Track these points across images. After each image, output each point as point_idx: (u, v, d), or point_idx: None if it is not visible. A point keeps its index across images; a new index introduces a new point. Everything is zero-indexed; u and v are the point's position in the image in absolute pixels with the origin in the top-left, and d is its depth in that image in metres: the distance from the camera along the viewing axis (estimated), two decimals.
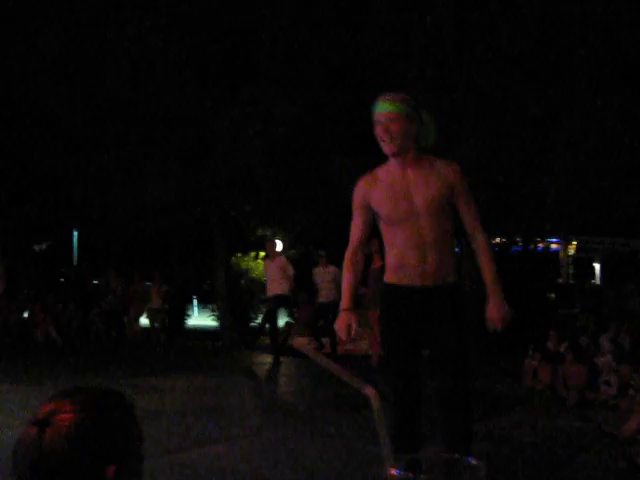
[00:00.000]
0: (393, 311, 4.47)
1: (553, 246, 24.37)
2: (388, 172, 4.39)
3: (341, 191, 14.90)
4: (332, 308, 13.52)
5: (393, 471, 1.40)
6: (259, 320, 15.33)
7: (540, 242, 19.34)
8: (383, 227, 4.46)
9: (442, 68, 13.21)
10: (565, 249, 26.08)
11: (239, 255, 17.93)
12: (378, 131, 4.30)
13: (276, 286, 13.06)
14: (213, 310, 18.79)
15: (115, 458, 1.53)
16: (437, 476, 1.46)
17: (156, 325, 17.89)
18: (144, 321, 18.34)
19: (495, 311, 4.55)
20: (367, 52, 13.55)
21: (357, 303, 4.66)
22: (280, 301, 13.42)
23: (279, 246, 14.47)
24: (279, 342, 13.32)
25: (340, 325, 4.38)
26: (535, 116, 12.75)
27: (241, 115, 14.40)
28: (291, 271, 13.10)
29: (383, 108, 4.26)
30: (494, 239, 17.34)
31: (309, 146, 14.75)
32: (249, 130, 14.46)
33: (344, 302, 4.46)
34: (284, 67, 14.24)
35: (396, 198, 4.27)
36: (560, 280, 23.96)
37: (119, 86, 14.44)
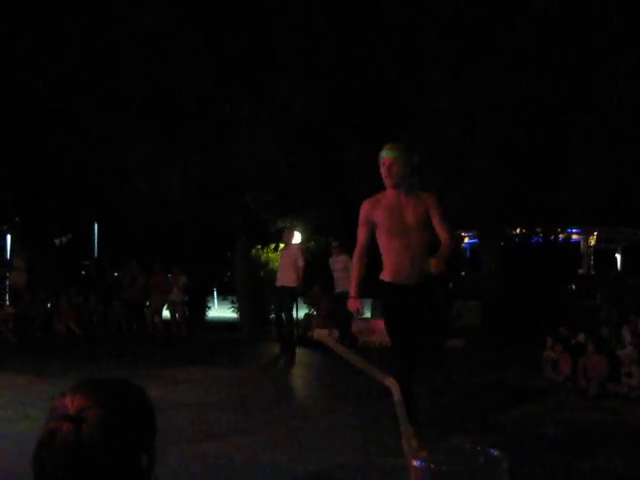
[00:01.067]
0: (392, 303, 6.14)
1: (574, 237, 24.16)
2: (387, 198, 6.15)
3: (359, 181, 14.93)
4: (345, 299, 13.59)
5: (415, 462, 1.40)
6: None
7: (561, 233, 19.18)
8: (382, 237, 6.14)
9: (459, 56, 13.15)
10: (586, 240, 25.88)
11: (259, 247, 17.93)
12: (382, 170, 6.12)
13: (284, 276, 13.10)
14: (233, 302, 18.83)
15: (144, 447, 1.57)
16: (459, 467, 1.45)
17: (176, 317, 17.96)
18: (165, 313, 18.42)
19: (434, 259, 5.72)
20: (383, 42, 13.52)
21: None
22: (285, 295, 13.46)
23: (298, 237, 14.45)
24: (291, 334, 13.33)
25: (351, 306, 6.30)
26: (553, 106, 12.67)
27: (259, 106, 14.41)
28: (302, 262, 13.10)
29: (387, 154, 6.12)
30: (514, 229, 17.27)
31: (327, 136, 14.75)
32: (267, 121, 14.47)
33: (352, 291, 6.27)
34: (301, 58, 14.23)
35: (394, 216, 6.03)
36: (581, 271, 23.77)
37: (138, 80, 14.48)
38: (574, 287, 18.90)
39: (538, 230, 17.11)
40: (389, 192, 6.16)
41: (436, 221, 6.06)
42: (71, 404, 1.53)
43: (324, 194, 15.49)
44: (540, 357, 10.72)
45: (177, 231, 18.92)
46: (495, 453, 1.45)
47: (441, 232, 6.08)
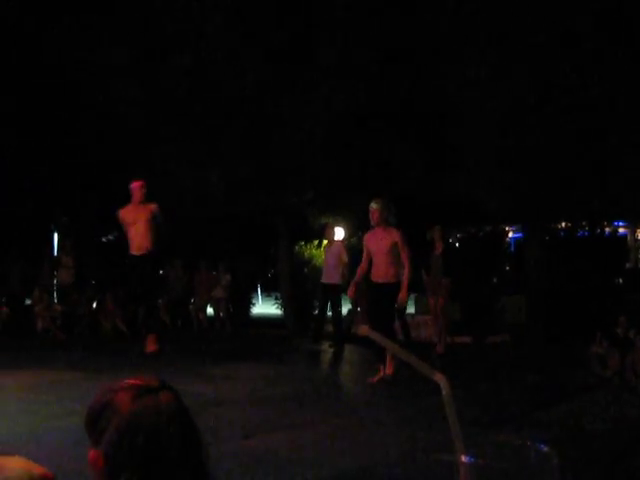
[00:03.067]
0: (371, 293, 10.19)
1: (621, 230, 23.84)
2: (373, 232, 9.92)
3: (399, 176, 14.91)
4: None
5: (464, 458, 1.39)
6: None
7: (607, 226, 18.94)
8: (370, 255, 9.91)
9: (503, 50, 13.01)
10: (633, 233, 25.50)
11: (302, 243, 17.97)
12: (370, 215, 9.79)
13: (329, 273, 13.11)
14: (277, 298, 18.89)
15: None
16: (509, 463, 1.44)
17: (221, 314, 18.08)
18: (209, 310, 18.55)
19: (401, 297, 9.70)
20: (425, 36, 13.44)
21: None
22: (330, 291, 13.46)
23: (341, 233, 14.44)
24: (340, 331, 13.34)
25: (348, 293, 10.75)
26: (597, 96, 12.48)
27: (300, 102, 14.43)
28: (346, 258, 13.10)
29: (373, 205, 9.74)
30: (560, 223, 17.07)
31: (368, 131, 14.73)
32: (308, 117, 14.50)
33: (352, 283, 10.46)
34: (342, 53, 14.22)
35: (375, 243, 9.82)
36: (628, 265, 23.43)
37: (180, 78, 14.60)
38: (621, 281, 18.64)
39: (584, 224, 16.90)
40: (375, 229, 9.88)
41: (401, 251, 9.67)
42: (148, 381, 1.56)
43: (366, 190, 15.48)
44: (587, 353, 10.58)
45: (221, 228, 19.04)
46: (545, 449, 1.43)
47: (403, 260, 9.71)
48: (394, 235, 9.62)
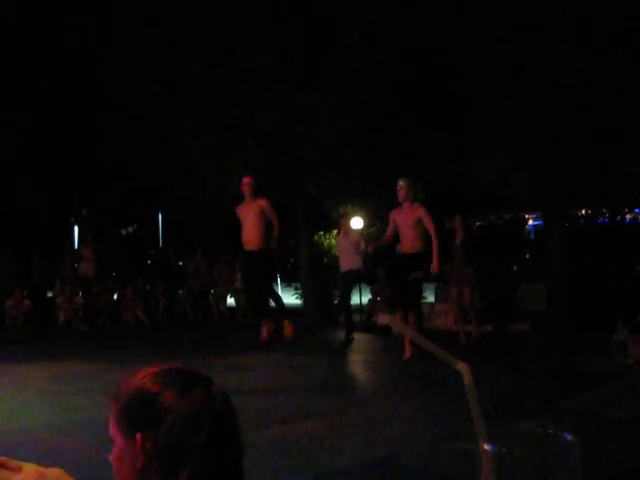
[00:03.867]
0: (399, 262, 10.67)
1: None
2: (400, 208, 10.45)
3: (421, 165, 14.85)
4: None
5: (487, 446, 1.39)
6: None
7: (628, 213, 18.80)
8: (395, 228, 10.50)
9: (522, 36, 12.93)
10: None
11: (321, 233, 17.98)
12: (397, 192, 10.35)
13: (349, 261, 13.06)
14: (296, 288, 18.92)
15: None
16: (530, 451, 1.44)
17: (241, 304, 18.13)
18: (230, 301, 18.61)
19: (434, 265, 10.01)
20: (445, 27, 13.39)
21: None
22: (351, 278, 13.41)
23: (359, 223, 14.41)
24: (352, 319, 13.32)
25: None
26: (621, 82, 12.38)
27: (319, 92, 14.42)
28: (363, 246, 13.08)
29: (400, 182, 10.33)
30: (580, 210, 16.96)
31: (387, 121, 14.69)
32: (327, 107, 14.48)
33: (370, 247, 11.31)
34: (362, 42, 14.19)
35: (402, 217, 10.35)
36: None
37: (200, 69, 14.63)
38: None
39: (604, 211, 16.79)
40: (402, 205, 10.43)
41: (427, 223, 10.13)
42: (198, 375, 1.58)
43: (383, 180, 15.44)
44: (608, 340, 10.52)
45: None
46: (569, 437, 1.43)
47: (430, 230, 10.12)
48: (419, 211, 10.16)
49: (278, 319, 12.60)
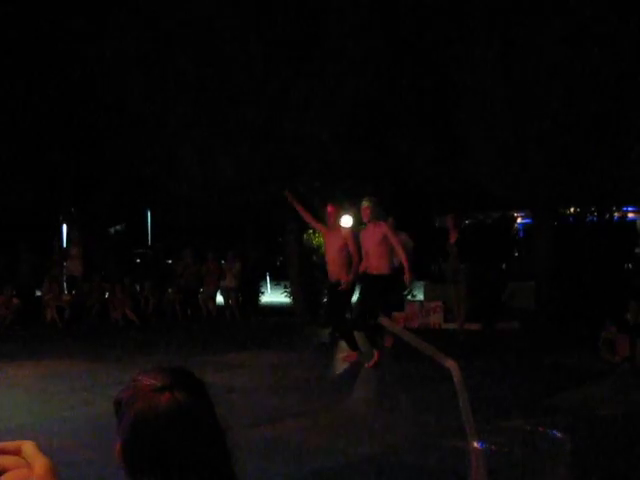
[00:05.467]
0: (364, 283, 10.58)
1: (629, 215, 23.71)
2: (366, 228, 10.54)
3: (408, 163, 14.88)
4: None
5: (476, 443, 1.39)
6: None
7: (616, 211, 18.85)
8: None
9: (509, 33, 12.98)
10: None
11: (310, 231, 17.96)
12: (362, 212, 10.39)
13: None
14: (286, 287, 18.91)
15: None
16: (519, 448, 1.44)
17: (230, 303, 18.11)
18: (219, 299, 18.58)
19: (406, 277, 10.18)
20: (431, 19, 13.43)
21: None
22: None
23: (349, 221, 14.36)
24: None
25: None
26: (608, 80, 12.42)
27: (309, 89, 14.42)
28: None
29: (364, 203, 10.34)
30: (568, 209, 17.01)
31: (376, 118, 14.70)
32: (317, 104, 14.48)
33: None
34: (350, 40, 14.19)
35: (367, 237, 10.41)
36: (637, 250, 23.33)
37: (188, 66, 14.61)
38: (630, 266, 18.58)
39: (592, 209, 16.84)
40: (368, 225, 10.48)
41: (391, 239, 10.16)
42: (155, 380, 1.57)
43: (372, 178, 15.45)
44: (596, 338, 10.57)
45: (230, 217, 19.04)
46: (557, 435, 1.44)
47: (394, 244, 10.17)
48: (383, 228, 10.28)
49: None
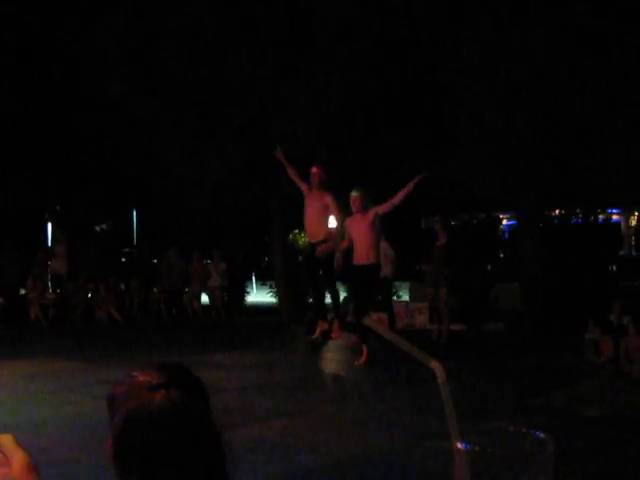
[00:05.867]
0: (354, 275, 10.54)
1: (614, 217, 23.88)
2: (353, 217, 10.32)
3: (395, 161, 14.89)
4: (387, 284, 13.49)
5: (460, 445, 1.40)
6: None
7: (601, 213, 18.97)
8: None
9: (497, 35, 13.02)
10: (627, 220, 25.54)
11: (296, 232, 17.97)
12: (351, 202, 10.24)
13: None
14: (271, 287, 18.90)
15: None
16: (503, 449, 1.45)
17: (216, 302, 18.09)
18: (204, 299, 18.55)
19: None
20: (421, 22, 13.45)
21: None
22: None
23: (333, 222, 14.32)
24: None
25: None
26: (594, 84, 12.48)
27: (296, 89, 14.42)
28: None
29: (353, 193, 10.21)
30: (554, 211, 17.09)
31: (364, 119, 14.72)
32: (304, 104, 14.49)
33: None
34: (339, 40, 14.21)
35: (355, 226, 10.27)
36: (622, 252, 23.47)
37: (178, 66, 14.59)
38: (614, 268, 18.68)
39: (578, 211, 16.92)
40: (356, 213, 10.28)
41: (384, 207, 10.12)
42: (151, 378, 1.54)
43: (360, 177, 15.47)
44: (581, 339, 10.62)
45: (216, 217, 19.03)
46: (541, 435, 1.44)
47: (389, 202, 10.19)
48: (370, 214, 10.15)
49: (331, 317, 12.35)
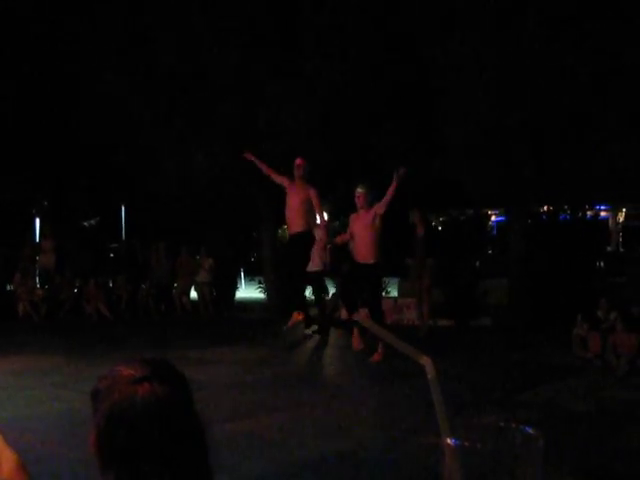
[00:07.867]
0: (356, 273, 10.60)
1: (602, 214, 23.94)
2: (357, 214, 10.39)
3: (383, 158, 14.90)
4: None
5: (449, 440, 1.40)
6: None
7: (588, 210, 19.01)
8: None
9: (486, 32, 13.04)
10: (614, 217, 25.66)
11: (285, 227, 17.95)
12: (356, 198, 10.27)
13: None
14: (260, 282, 18.88)
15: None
16: (492, 444, 1.45)
17: (204, 298, 18.06)
18: (193, 294, 18.52)
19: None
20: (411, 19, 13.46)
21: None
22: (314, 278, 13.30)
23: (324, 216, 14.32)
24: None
25: None
26: (584, 81, 12.53)
27: (284, 86, 14.41)
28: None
29: (359, 189, 10.22)
30: (542, 207, 17.13)
31: (352, 115, 14.72)
32: (292, 101, 14.48)
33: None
34: (327, 36, 14.21)
35: (358, 223, 10.32)
36: (609, 248, 23.55)
37: (167, 61, 14.55)
38: (602, 264, 18.74)
39: (565, 207, 16.97)
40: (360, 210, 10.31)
41: (383, 208, 10.04)
42: (134, 371, 1.54)
43: (347, 173, 15.48)
44: (568, 335, 10.66)
45: (204, 212, 18.99)
46: (530, 431, 1.44)
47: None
48: (372, 211, 10.19)
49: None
